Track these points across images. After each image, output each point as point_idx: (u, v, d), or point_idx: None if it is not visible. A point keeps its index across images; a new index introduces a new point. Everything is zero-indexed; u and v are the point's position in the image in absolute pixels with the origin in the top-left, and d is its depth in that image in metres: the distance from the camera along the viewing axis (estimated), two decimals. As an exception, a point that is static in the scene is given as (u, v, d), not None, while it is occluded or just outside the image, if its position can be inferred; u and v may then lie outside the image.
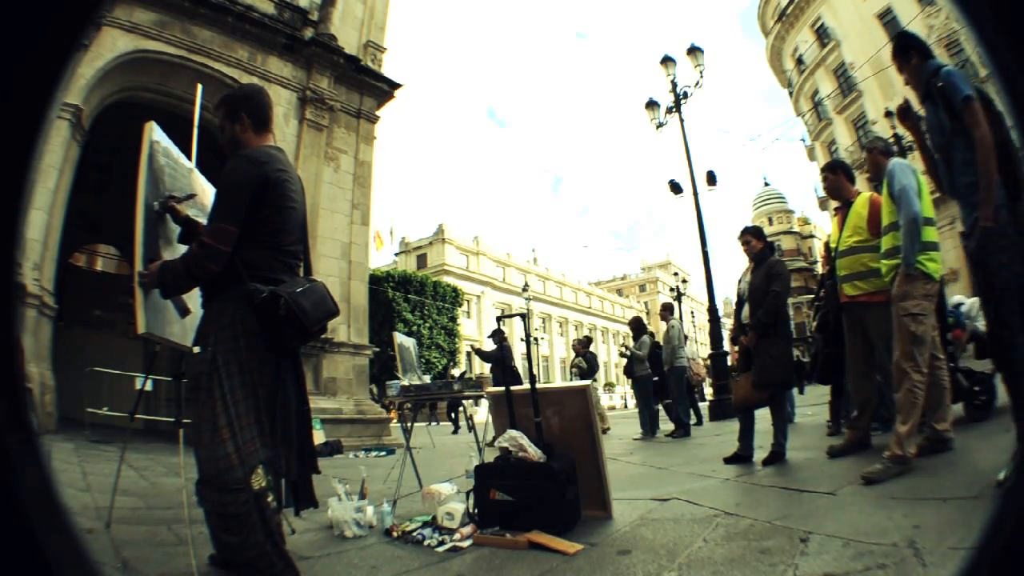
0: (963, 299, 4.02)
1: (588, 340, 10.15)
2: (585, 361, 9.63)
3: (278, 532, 1.61)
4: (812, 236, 45.50)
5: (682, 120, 10.18)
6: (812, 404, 7.41)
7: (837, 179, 3.62)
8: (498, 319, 3.87)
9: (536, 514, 2.50)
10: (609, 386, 38.60)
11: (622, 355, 7.81)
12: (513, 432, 2.77)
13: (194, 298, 2.05)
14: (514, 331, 28.32)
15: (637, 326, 7.58)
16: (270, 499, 1.56)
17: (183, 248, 2.72)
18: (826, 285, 4.13)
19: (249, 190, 1.66)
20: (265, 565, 1.52)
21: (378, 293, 22.23)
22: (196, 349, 1.68)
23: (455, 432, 12.93)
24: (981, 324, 3.74)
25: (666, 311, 7.62)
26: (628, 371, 7.60)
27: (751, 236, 4.06)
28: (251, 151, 1.76)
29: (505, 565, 2.11)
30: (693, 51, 10.21)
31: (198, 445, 1.58)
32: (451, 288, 29.01)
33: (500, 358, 7.72)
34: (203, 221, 3.02)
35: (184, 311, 2.00)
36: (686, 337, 7.37)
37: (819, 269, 5.95)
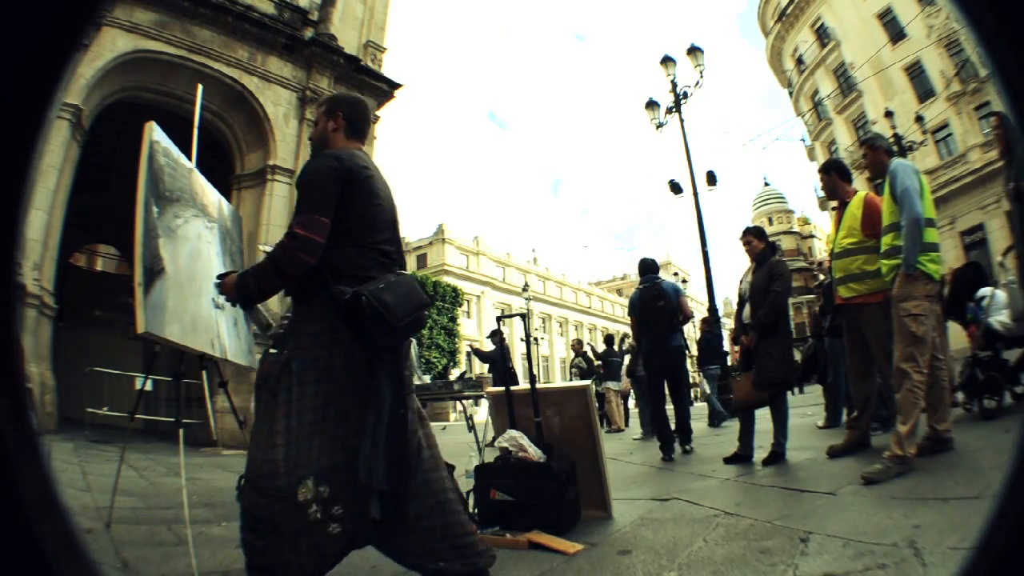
0: (987, 291, 3.98)
1: (580, 343, 10.16)
2: (585, 361, 9.63)
3: (310, 549, 1.47)
4: (812, 236, 45.51)
5: (682, 120, 10.19)
6: (812, 404, 7.40)
7: (831, 180, 3.61)
8: (498, 319, 3.87)
9: (536, 514, 2.50)
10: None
11: (626, 352, 7.86)
12: (513, 432, 2.77)
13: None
14: (514, 331, 28.36)
15: None
16: (312, 511, 1.46)
17: (184, 240, 2.73)
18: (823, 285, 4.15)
19: (335, 183, 1.61)
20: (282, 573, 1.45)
21: (378, 293, 22.17)
22: (273, 350, 1.62)
23: None
24: (994, 319, 3.73)
25: None
26: (631, 370, 7.62)
27: (752, 236, 4.06)
28: (334, 150, 1.73)
29: (505, 565, 2.11)
30: (693, 51, 10.21)
31: (252, 445, 1.53)
32: (451, 288, 29.00)
33: (499, 358, 7.72)
34: (209, 229, 3.04)
35: (266, 326, 1.85)
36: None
37: (822, 277, 5.95)
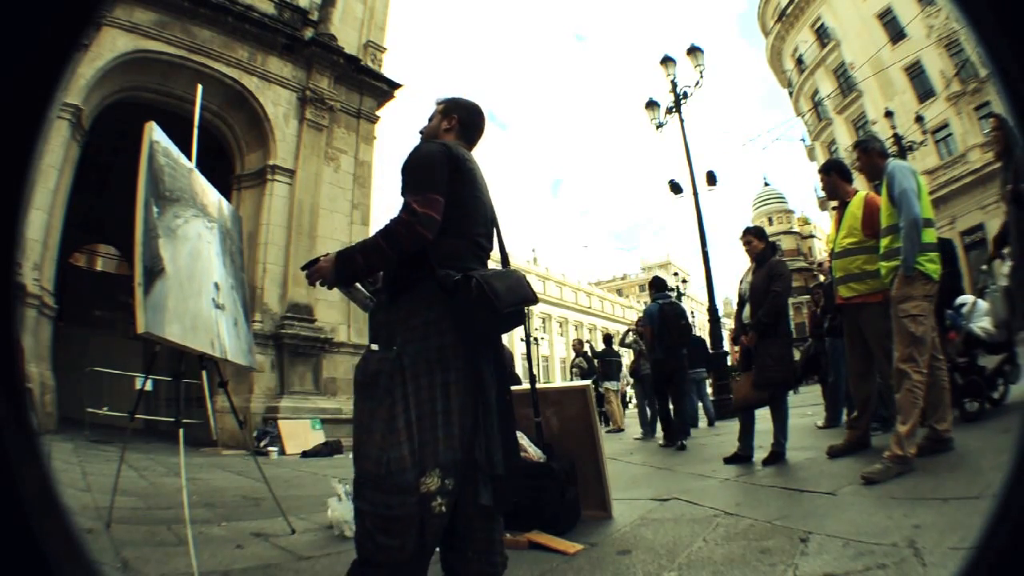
0: (967, 298, 4.01)
1: (580, 343, 10.18)
2: (586, 361, 9.63)
3: (432, 541, 1.51)
4: (812, 236, 45.53)
5: (682, 120, 10.19)
6: (812, 404, 7.41)
7: (831, 180, 3.61)
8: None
9: (536, 514, 2.50)
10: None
11: (627, 346, 7.85)
12: (513, 432, 2.77)
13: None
14: (514, 331, 28.42)
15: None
16: (437, 502, 1.47)
17: (184, 240, 2.73)
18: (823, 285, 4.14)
19: (445, 165, 1.60)
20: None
21: (378, 293, 22.16)
22: (374, 347, 1.59)
23: None
24: (976, 325, 3.75)
25: None
26: (634, 370, 7.63)
27: (753, 236, 4.06)
28: (440, 140, 1.73)
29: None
30: (693, 51, 10.21)
31: (366, 445, 1.48)
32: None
33: None
34: (209, 229, 3.04)
35: (367, 302, 1.79)
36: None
37: (822, 277, 5.97)
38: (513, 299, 1.54)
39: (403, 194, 1.59)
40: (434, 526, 1.48)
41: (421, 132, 1.86)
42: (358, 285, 1.72)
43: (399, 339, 1.54)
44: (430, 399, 1.50)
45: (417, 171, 1.60)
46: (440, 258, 1.56)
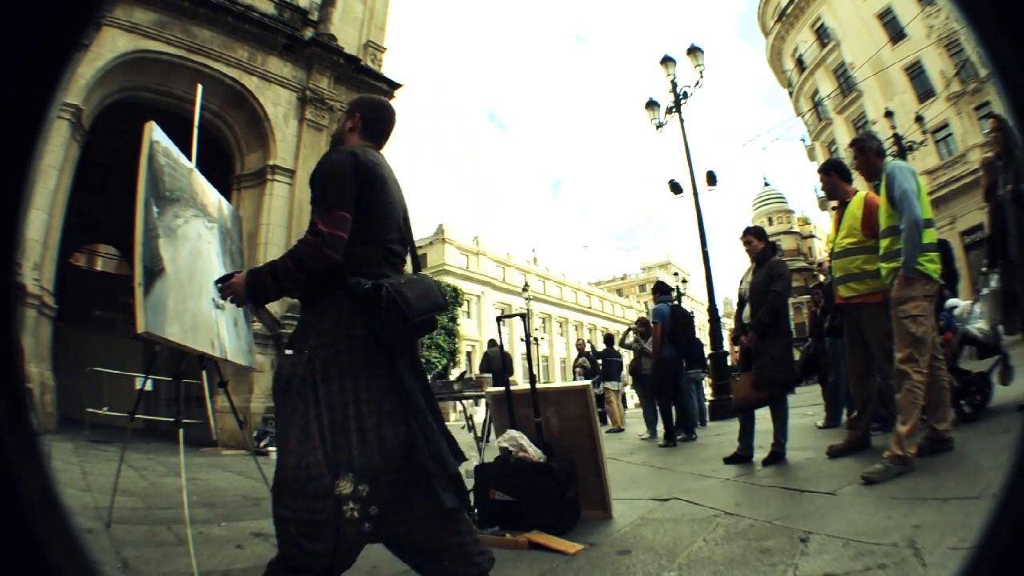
0: (957, 302, 4.03)
1: (583, 343, 10.21)
2: (589, 361, 9.64)
3: (348, 548, 1.48)
4: (812, 236, 45.55)
5: (682, 120, 10.19)
6: (812, 404, 7.41)
7: (831, 180, 3.61)
8: (498, 319, 3.86)
9: (536, 514, 2.50)
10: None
11: (627, 346, 7.85)
12: (513, 432, 2.77)
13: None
14: (514, 331, 28.39)
15: (646, 326, 7.63)
16: (350, 507, 1.45)
17: (184, 240, 2.73)
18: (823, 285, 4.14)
19: (352, 178, 1.58)
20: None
21: (378, 293, 22.15)
22: (288, 352, 1.59)
23: None
24: (973, 327, 3.74)
25: None
26: (634, 369, 7.64)
27: (753, 236, 4.06)
28: (349, 146, 1.72)
29: (505, 565, 2.11)
30: (693, 51, 10.21)
31: (284, 451, 1.48)
32: (451, 288, 28.98)
33: (500, 370, 7.67)
34: (209, 229, 3.04)
35: (273, 324, 1.79)
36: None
37: (822, 277, 5.98)
38: (424, 306, 1.55)
39: (312, 205, 1.59)
40: (348, 533, 1.44)
41: (332, 136, 1.86)
42: (267, 307, 1.70)
43: (311, 343, 1.53)
44: (342, 403, 1.49)
45: (323, 186, 1.59)
46: (352, 265, 1.56)
